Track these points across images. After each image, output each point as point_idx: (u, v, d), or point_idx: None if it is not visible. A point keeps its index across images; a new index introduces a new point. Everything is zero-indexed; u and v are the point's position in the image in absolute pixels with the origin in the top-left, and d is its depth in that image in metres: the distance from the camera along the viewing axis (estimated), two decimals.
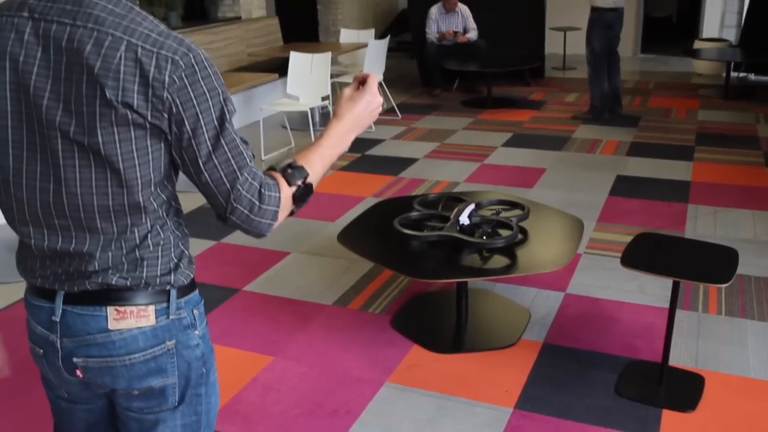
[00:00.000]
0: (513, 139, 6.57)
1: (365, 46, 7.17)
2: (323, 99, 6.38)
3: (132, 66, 1.21)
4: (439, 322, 3.47)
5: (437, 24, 8.47)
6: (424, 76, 8.90)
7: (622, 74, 9.57)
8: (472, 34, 8.47)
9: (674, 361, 3.03)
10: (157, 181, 1.31)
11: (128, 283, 1.34)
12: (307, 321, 3.47)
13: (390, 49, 7.71)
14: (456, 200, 3.48)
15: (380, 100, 1.53)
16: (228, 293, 3.77)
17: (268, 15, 8.76)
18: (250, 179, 1.31)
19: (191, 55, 1.24)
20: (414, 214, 3.31)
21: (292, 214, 1.40)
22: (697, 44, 9.59)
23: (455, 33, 8.42)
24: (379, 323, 3.43)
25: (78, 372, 1.40)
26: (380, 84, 7.38)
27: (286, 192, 1.35)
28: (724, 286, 3.16)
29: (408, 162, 5.95)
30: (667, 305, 2.88)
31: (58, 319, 1.37)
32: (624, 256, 2.80)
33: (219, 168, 1.29)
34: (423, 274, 3.09)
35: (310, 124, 6.47)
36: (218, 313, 3.56)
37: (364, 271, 3.95)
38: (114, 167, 1.26)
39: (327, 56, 6.26)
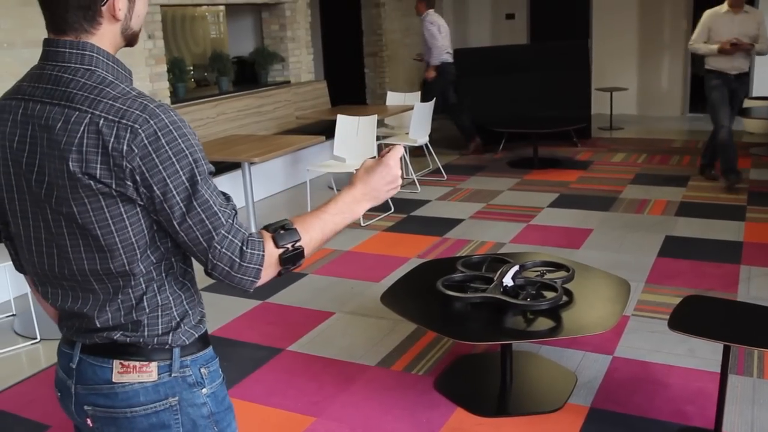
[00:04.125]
0: (559, 200, 6.54)
1: (411, 108, 7.27)
2: None
3: (94, 138, 1.27)
4: (483, 385, 3.42)
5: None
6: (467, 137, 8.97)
7: (670, 133, 9.54)
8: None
9: (727, 428, 2.93)
10: (140, 245, 1.35)
11: (128, 341, 1.41)
12: (351, 382, 3.46)
13: (436, 111, 7.80)
14: (500, 261, 3.46)
15: (397, 172, 1.52)
16: (272, 353, 3.78)
17: (316, 79, 8.97)
18: (230, 237, 1.33)
19: (152, 122, 1.28)
20: (457, 275, 3.31)
21: (280, 275, 1.40)
22: (748, 103, 9.48)
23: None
24: (423, 385, 3.40)
25: (89, 420, 1.47)
26: (426, 145, 7.45)
27: (271, 252, 1.36)
28: None
29: (453, 223, 5.96)
30: (719, 370, 2.80)
31: (74, 366, 1.46)
32: (672, 318, 2.75)
33: (194, 228, 1.31)
34: (467, 336, 3.06)
35: None
36: (261, 373, 3.57)
37: (407, 333, 3.94)
38: (92, 234, 1.32)
39: (373, 119, 6.36)
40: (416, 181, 7.29)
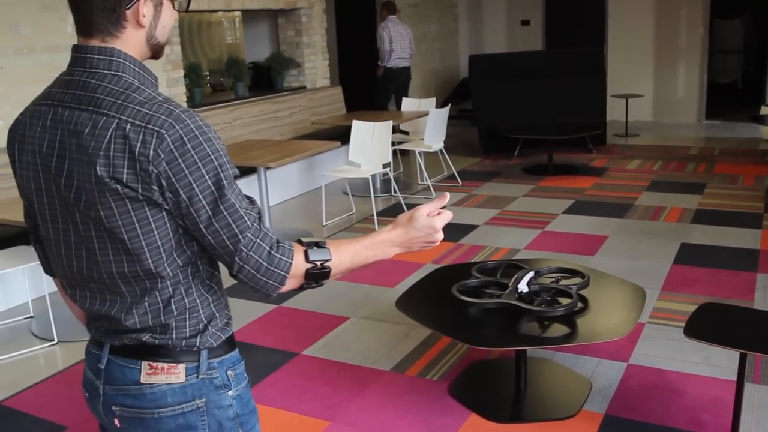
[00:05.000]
0: (574, 207, 6.52)
1: (426, 114, 7.28)
2: (384, 166, 6.47)
3: (121, 143, 1.28)
4: (498, 391, 3.42)
5: None
6: (485, 143, 8.97)
7: (687, 140, 9.50)
8: None
9: None
10: (166, 248, 1.36)
11: (157, 342, 1.42)
12: (365, 387, 3.46)
13: (451, 117, 7.82)
14: (515, 267, 3.46)
15: (440, 237, 1.54)
16: (287, 357, 3.80)
17: (332, 85, 9.00)
18: (257, 240, 1.35)
19: (178, 127, 1.29)
20: (472, 281, 3.31)
21: (302, 288, 1.43)
22: (764, 110, 9.42)
23: None
24: (437, 390, 3.40)
25: (116, 421, 1.49)
26: (441, 151, 7.47)
27: (300, 264, 1.39)
28: None
29: (468, 229, 5.96)
30: (735, 378, 2.79)
31: (103, 367, 1.48)
32: (688, 326, 2.74)
33: (221, 232, 1.34)
34: (481, 341, 3.06)
35: (371, 191, 6.56)
36: (276, 377, 3.59)
37: (422, 338, 3.94)
38: (119, 238, 1.34)
39: (388, 125, 6.37)
40: (431, 187, 7.30)
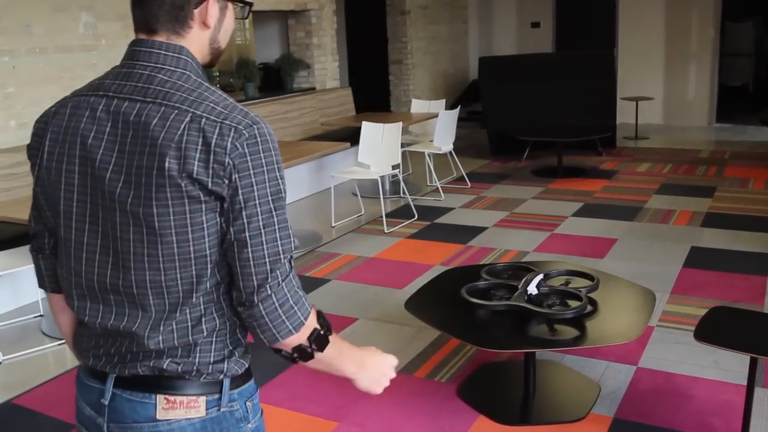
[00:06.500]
0: (584, 209, 6.51)
1: (436, 116, 7.28)
2: (393, 167, 6.47)
3: (195, 135, 1.23)
4: (506, 393, 3.42)
5: None
6: (495, 145, 8.96)
7: (697, 143, 9.46)
8: None
9: None
10: (213, 260, 1.28)
11: (179, 369, 1.31)
12: None
13: (460, 119, 7.81)
14: (524, 270, 3.46)
15: (386, 383, 1.51)
16: None
17: (341, 86, 9.02)
18: (290, 275, 1.29)
19: (255, 127, 1.26)
20: (482, 283, 3.31)
21: (292, 352, 1.34)
22: None
23: None
24: (445, 392, 3.40)
25: None
26: (450, 153, 7.46)
27: (313, 318, 1.34)
28: None
29: (477, 231, 5.95)
30: (746, 382, 2.78)
31: (107, 403, 1.35)
32: (698, 329, 2.73)
33: (264, 246, 1.26)
34: (490, 343, 3.06)
35: (380, 192, 6.56)
36: (285, 377, 3.59)
37: (431, 339, 3.94)
38: (166, 240, 1.26)
39: (398, 126, 6.37)
40: (440, 188, 7.30)
